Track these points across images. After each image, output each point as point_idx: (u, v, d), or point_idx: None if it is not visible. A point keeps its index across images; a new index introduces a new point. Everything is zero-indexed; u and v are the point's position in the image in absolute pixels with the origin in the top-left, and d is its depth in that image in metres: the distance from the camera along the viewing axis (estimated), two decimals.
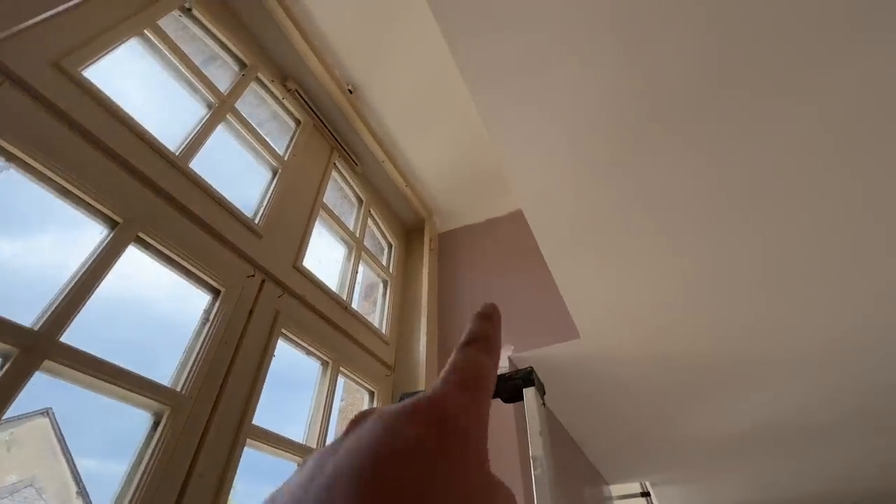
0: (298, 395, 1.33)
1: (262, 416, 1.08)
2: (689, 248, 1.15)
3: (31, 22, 0.82)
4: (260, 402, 1.06)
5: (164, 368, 0.94)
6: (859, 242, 1.11)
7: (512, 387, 0.92)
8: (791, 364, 1.64)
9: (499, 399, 0.95)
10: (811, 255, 1.15)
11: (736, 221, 1.07)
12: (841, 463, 2.64)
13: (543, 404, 0.89)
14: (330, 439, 1.32)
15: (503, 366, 1.59)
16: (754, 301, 1.30)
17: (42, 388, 0.76)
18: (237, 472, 0.96)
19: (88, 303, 0.81)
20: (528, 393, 0.88)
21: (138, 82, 1.17)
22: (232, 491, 0.95)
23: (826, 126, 0.86)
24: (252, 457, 1.06)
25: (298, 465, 0.19)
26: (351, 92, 1.71)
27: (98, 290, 0.83)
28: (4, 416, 0.64)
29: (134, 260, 0.94)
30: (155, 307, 1.08)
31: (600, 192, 1.04)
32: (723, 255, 1.16)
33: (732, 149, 0.93)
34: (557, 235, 1.14)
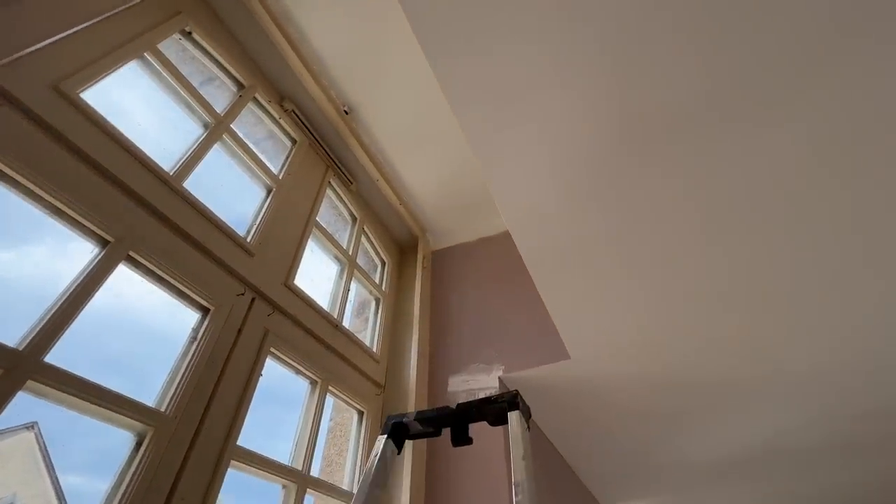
0: (286, 413, 1.32)
1: (249, 434, 1.07)
2: (676, 270, 1.16)
3: (32, 48, 0.84)
4: (246, 420, 1.06)
5: (151, 387, 0.94)
6: (844, 263, 1.12)
7: (497, 410, 0.92)
8: (782, 386, 1.64)
9: (485, 422, 0.95)
10: (799, 277, 1.16)
11: (723, 244, 1.09)
12: (834, 486, 2.61)
13: (528, 428, 0.89)
14: (316, 460, 1.31)
15: (493, 387, 1.59)
16: (743, 323, 1.31)
17: (26, 406, 0.76)
18: (220, 494, 0.95)
19: (77, 321, 0.81)
20: (513, 417, 0.88)
21: (136, 103, 1.19)
22: None
23: (810, 147, 0.88)
24: (241, 477, 1.05)
25: None
26: (347, 112, 1.74)
27: (87, 307, 0.84)
28: None
29: (124, 278, 0.95)
30: (143, 325, 1.08)
31: (587, 215, 1.06)
32: (710, 277, 1.17)
33: (716, 171, 0.95)
34: (545, 257, 1.15)
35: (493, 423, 0.96)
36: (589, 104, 0.87)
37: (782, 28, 0.74)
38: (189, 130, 1.25)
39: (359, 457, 1.42)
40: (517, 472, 0.77)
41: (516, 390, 0.93)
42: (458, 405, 0.96)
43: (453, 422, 0.96)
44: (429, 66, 1.59)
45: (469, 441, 0.94)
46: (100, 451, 0.93)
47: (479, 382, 1.60)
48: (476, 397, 1.43)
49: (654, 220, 1.05)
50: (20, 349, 0.71)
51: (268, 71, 1.58)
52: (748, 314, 1.28)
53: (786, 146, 0.89)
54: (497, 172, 1.00)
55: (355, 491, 1.33)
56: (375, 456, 0.86)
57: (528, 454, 0.81)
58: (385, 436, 0.91)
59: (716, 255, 1.11)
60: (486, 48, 0.81)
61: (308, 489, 1.14)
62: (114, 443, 0.86)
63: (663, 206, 1.02)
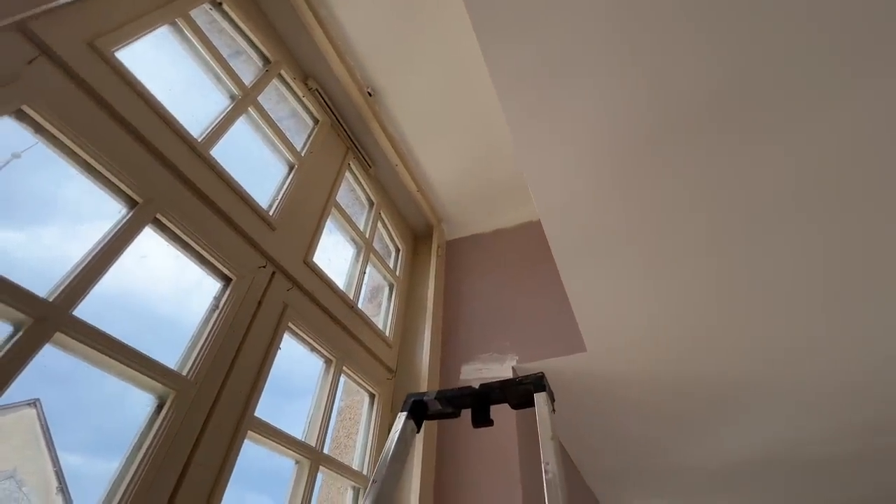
0: (295, 404, 1.30)
1: (262, 415, 1.05)
2: (705, 269, 1.14)
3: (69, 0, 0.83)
4: (262, 397, 1.04)
5: (171, 353, 0.93)
6: (875, 273, 1.09)
7: (522, 391, 0.90)
8: (800, 393, 1.62)
9: (506, 405, 0.94)
10: (830, 284, 1.14)
11: (761, 246, 1.06)
12: (846, 500, 2.58)
13: (553, 411, 0.88)
14: (328, 440, 1.29)
15: (506, 377, 1.57)
16: (769, 326, 1.29)
17: (49, 366, 0.75)
18: (236, 464, 0.93)
19: (100, 282, 0.80)
20: (540, 398, 0.86)
21: (166, 68, 1.18)
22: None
23: (846, 148, 0.87)
24: (246, 463, 1.02)
25: None
26: (370, 95, 1.73)
27: (111, 269, 0.82)
28: None
29: (149, 241, 0.94)
30: (166, 291, 1.07)
31: (620, 205, 1.04)
32: (741, 279, 1.15)
33: (749, 170, 0.93)
34: (573, 245, 1.14)
35: (515, 406, 0.94)
36: (631, 96, 0.87)
37: (820, 31, 0.72)
38: (216, 101, 1.24)
39: (370, 440, 1.41)
40: (546, 452, 0.76)
41: (541, 372, 0.92)
42: (482, 385, 0.94)
43: (474, 402, 0.94)
44: (455, 55, 1.59)
45: (490, 422, 0.93)
46: (117, 419, 0.91)
47: (492, 371, 1.58)
48: None
49: (689, 216, 1.03)
50: (50, 300, 0.70)
51: (294, 48, 1.57)
52: (776, 318, 1.26)
53: (822, 147, 0.87)
54: (534, 159, 0.99)
55: (366, 472, 1.32)
56: (395, 433, 0.85)
57: (556, 435, 0.80)
58: (405, 413, 0.90)
59: (749, 256, 1.09)
60: (538, 34, 0.81)
61: (321, 466, 1.12)
62: (132, 408, 0.85)
63: (699, 202, 1.00)
